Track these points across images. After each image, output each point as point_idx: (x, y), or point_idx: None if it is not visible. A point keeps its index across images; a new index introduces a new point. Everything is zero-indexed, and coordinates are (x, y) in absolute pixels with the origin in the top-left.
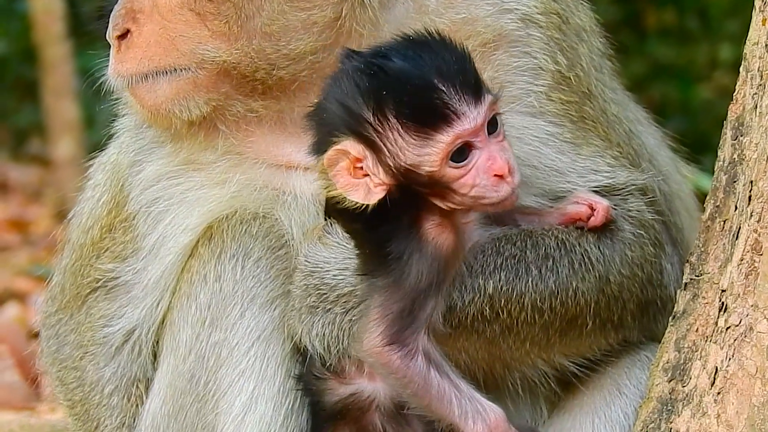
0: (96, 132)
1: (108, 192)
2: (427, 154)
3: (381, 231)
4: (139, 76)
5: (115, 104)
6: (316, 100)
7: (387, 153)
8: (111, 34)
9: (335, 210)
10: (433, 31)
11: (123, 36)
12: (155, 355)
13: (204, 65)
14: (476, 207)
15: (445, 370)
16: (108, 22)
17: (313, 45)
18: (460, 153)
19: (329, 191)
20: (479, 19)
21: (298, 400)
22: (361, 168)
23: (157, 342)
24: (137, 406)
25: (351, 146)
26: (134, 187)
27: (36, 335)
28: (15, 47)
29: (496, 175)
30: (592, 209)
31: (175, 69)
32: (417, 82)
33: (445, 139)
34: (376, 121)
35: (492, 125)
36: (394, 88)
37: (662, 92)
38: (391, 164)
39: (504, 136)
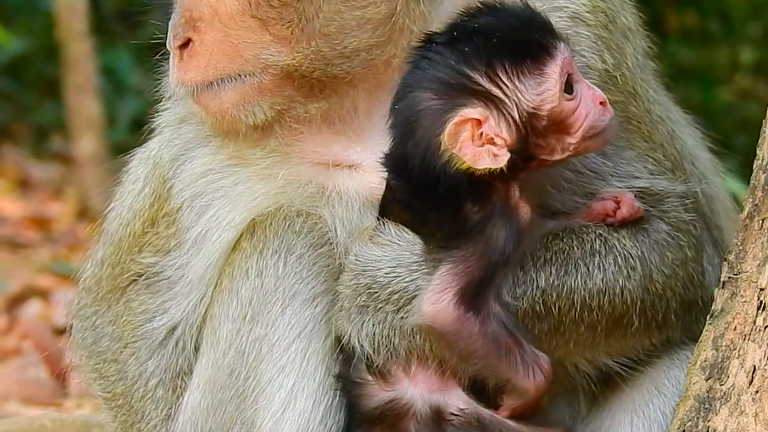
0: (118, 130)
1: (149, 185)
2: (545, 90)
3: (467, 207)
4: (203, 85)
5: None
6: (398, 107)
7: (508, 103)
8: (172, 44)
9: (407, 200)
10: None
11: (184, 45)
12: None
13: (268, 70)
14: (585, 145)
15: (510, 328)
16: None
17: (367, 42)
18: (569, 85)
19: (459, 165)
20: None
21: (338, 397)
22: (481, 135)
23: (198, 335)
24: (181, 397)
25: (470, 112)
26: (178, 181)
27: (59, 332)
28: (37, 44)
29: (601, 103)
30: (617, 202)
31: (240, 75)
32: (512, 26)
33: (556, 70)
34: (493, 74)
35: None
36: (496, 38)
37: (683, 94)
38: (515, 114)
39: None
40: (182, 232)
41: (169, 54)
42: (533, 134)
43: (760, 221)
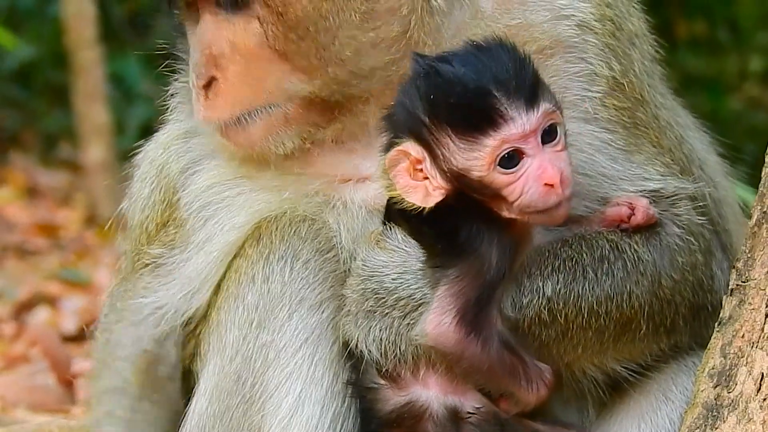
0: (127, 137)
1: (160, 192)
2: (474, 159)
3: (455, 226)
4: (231, 121)
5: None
6: (391, 104)
7: (441, 156)
8: (196, 84)
9: (404, 211)
10: (497, 37)
11: (208, 84)
12: (191, 353)
13: (292, 99)
14: (527, 217)
15: (512, 346)
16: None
17: (383, 60)
18: (510, 159)
19: (390, 191)
20: (536, 25)
21: (346, 403)
22: (421, 170)
23: (196, 336)
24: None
25: (411, 147)
26: (185, 194)
27: (67, 338)
28: (46, 51)
29: (546, 185)
30: (632, 208)
31: (266, 107)
32: (468, 85)
33: (492, 144)
34: (431, 124)
35: (549, 134)
36: (445, 91)
37: (692, 103)
38: (445, 168)
39: (564, 147)
40: (188, 235)
41: (175, 60)
42: (470, 190)
43: None
